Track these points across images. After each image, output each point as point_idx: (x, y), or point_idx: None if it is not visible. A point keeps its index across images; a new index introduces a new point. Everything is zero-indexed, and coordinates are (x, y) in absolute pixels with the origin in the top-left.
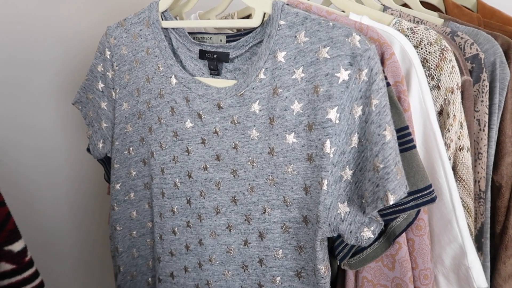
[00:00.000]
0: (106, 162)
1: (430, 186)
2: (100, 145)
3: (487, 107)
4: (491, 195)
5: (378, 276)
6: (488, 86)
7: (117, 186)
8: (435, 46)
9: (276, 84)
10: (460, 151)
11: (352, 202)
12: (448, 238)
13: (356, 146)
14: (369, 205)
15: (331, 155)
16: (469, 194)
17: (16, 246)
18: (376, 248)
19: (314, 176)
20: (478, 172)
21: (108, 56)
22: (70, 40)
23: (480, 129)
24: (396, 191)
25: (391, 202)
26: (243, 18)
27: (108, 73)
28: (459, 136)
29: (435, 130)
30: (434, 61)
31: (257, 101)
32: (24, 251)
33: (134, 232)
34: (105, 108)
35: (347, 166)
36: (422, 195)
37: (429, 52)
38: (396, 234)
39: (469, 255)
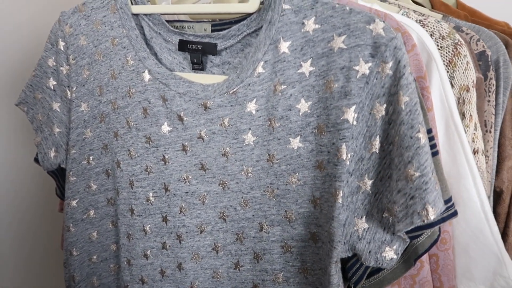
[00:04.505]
0: (58, 174)
1: (451, 198)
2: (52, 154)
3: (494, 107)
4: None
5: None
6: (495, 85)
7: (74, 203)
8: (447, 40)
9: (278, 80)
10: (475, 154)
11: (372, 217)
12: (479, 250)
13: (377, 152)
14: (400, 221)
15: (347, 162)
16: None
17: None
18: (395, 269)
19: (325, 186)
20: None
21: (62, 48)
22: (11, 33)
23: (486, 131)
24: (436, 204)
25: (432, 217)
26: None
27: (61, 68)
28: (473, 138)
29: (460, 132)
30: (446, 56)
31: (254, 100)
32: None
33: (95, 257)
34: (58, 109)
35: (366, 175)
36: (447, 207)
37: (441, 47)
38: (418, 253)
39: (509, 265)
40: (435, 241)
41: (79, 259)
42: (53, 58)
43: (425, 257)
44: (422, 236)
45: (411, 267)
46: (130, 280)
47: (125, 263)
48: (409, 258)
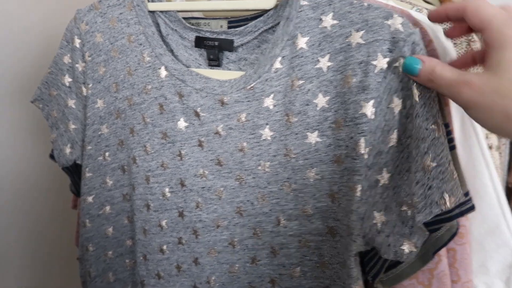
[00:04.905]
0: (73, 170)
1: (469, 192)
2: (68, 150)
3: None
4: None
5: None
6: None
7: (90, 199)
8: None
9: (295, 75)
10: (489, 149)
11: (390, 210)
12: (495, 244)
13: (395, 146)
14: (420, 212)
15: (365, 156)
16: None
17: None
18: (413, 263)
19: (343, 180)
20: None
21: (78, 45)
22: (25, 32)
23: None
24: (454, 193)
25: (450, 206)
26: None
27: (77, 65)
28: (486, 134)
29: (476, 126)
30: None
31: (271, 95)
32: None
33: (110, 252)
34: (73, 106)
35: (385, 169)
36: (465, 201)
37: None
38: (437, 247)
39: None
40: (454, 235)
41: (95, 254)
42: (68, 55)
43: (443, 251)
44: (441, 230)
45: (429, 260)
46: (146, 275)
47: (141, 258)
48: (427, 252)
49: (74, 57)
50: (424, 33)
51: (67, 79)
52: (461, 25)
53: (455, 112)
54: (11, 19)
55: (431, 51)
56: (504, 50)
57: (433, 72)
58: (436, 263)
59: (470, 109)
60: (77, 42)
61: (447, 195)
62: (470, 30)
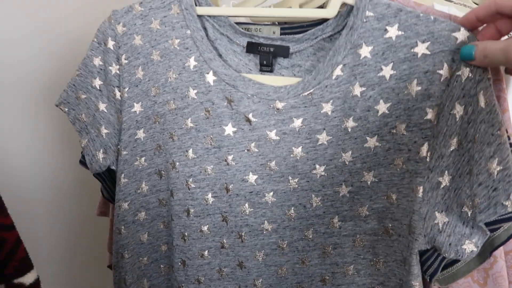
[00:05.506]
0: (105, 176)
1: None
2: (101, 155)
3: None
4: None
5: None
6: None
7: (125, 205)
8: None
9: (357, 83)
10: None
11: (451, 211)
12: None
13: (457, 149)
14: (482, 212)
15: (428, 159)
16: None
17: (28, 278)
18: (469, 262)
19: (404, 183)
20: None
21: (112, 47)
22: (51, 34)
23: None
24: None
25: None
26: None
27: (110, 68)
28: None
29: None
30: None
31: (331, 101)
32: (36, 283)
33: (145, 258)
34: (105, 110)
35: (446, 171)
36: None
37: None
38: (494, 246)
39: None
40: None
41: (130, 261)
42: (100, 57)
43: (499, 253)
44: (499, 230)
45: (485, 260)
46: (185, 281)
47: (179, 264)
48: (484, 251)
49: (107, 59)
50: None
51: (98, 82)
52: (491, 27)
53: None
54: (41, 23)
55: None
56: None
57: (485, 48)
58: (492, 263)
59: None
60: (111, 44)
61: None
62: (499, 33)
